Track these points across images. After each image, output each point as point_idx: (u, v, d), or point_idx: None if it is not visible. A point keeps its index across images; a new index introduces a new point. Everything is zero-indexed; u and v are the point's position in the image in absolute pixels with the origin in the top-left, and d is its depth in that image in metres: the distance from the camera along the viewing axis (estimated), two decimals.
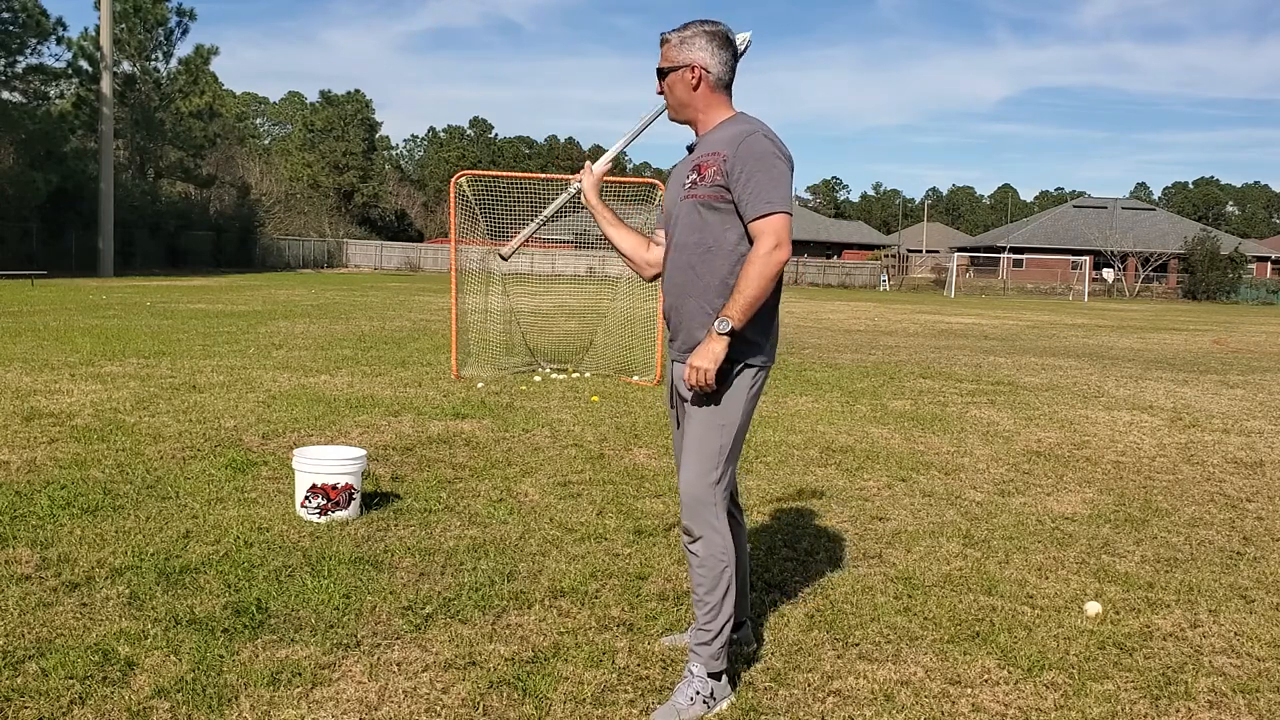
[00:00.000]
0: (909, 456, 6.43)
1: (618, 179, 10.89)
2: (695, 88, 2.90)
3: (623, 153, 3.33)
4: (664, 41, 2.95)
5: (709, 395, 2.85)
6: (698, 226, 2.86)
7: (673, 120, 3.03)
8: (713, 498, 2.87)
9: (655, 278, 3.21)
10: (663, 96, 3.01)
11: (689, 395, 2.89)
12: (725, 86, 2.93)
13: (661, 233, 3.10)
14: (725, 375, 2.84)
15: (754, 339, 2.86)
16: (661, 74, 2.96)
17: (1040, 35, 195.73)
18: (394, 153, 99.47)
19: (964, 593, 3.86)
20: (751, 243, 2.80)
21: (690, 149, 3.00)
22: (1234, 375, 12.42)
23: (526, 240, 3.39)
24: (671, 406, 3.12)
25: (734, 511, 3.11)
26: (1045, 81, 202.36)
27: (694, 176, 2.87)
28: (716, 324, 2.74)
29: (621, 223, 3.23)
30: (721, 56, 2.89)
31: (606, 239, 3.25)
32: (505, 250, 3.41)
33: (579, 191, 3.26)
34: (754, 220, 2.76)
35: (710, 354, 2.75)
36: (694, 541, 2.88)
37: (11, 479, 5.03)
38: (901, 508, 5.13)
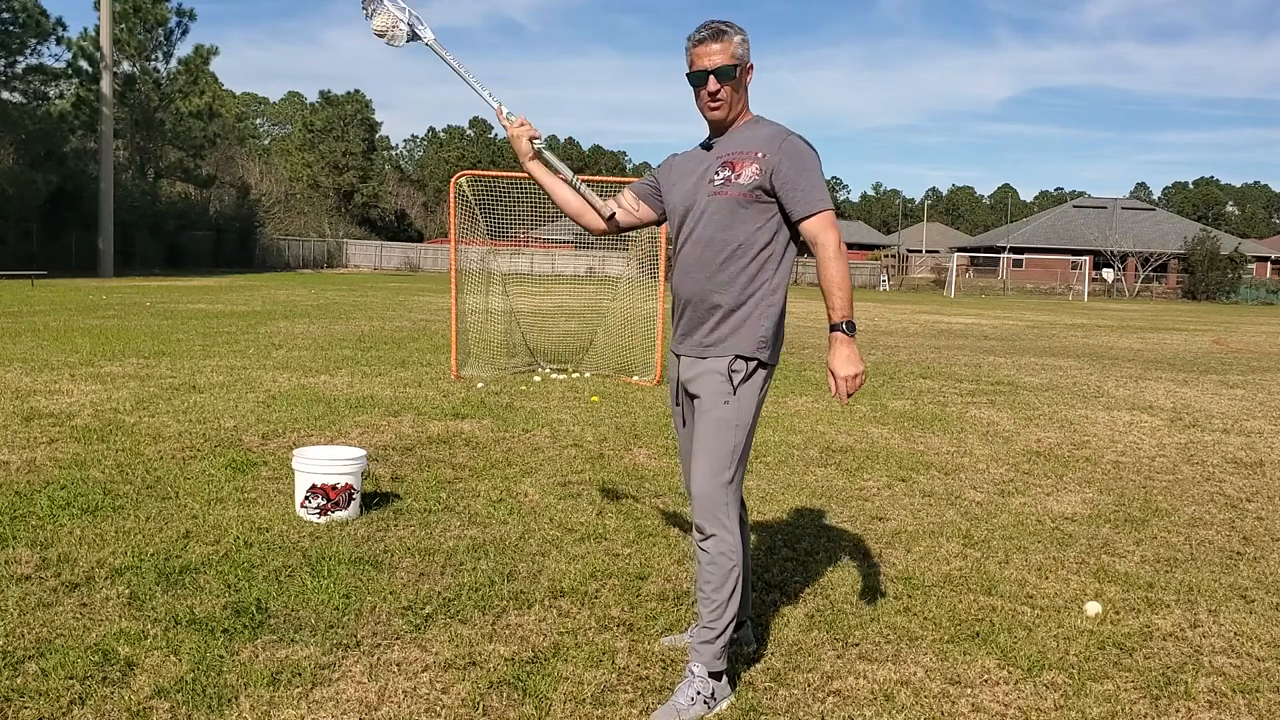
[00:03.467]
0: (909, 456, 6.43)
1: (607, 178, 10.86)
2: (747, 87, 2.93)
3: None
4: (721, 35, 2.81)
5: (722, 395, 2.84)
6: (729, 224, 2.85)
7: (713, 119, 2.91)
8: (725, 496, 2.87)
9: (605, 232, 3.11)
10: (707, 94, 2.85)
11: (703, 393, 2.88)
12: None
13: (626, 198, 3.08)
14: (742, 374, 2.85)
15: (768, 338, 2.88)
16: (726, 73, 2.82)
17: (1042, 35, 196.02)
18: (394, 153, 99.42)
19: (964, 593, 3.86)
20: (789, 242, 2.86)
21: (706, 146, 2.97)
22: (1234, 375, 12.42)
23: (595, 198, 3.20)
24: (676, 404, 3.10)
25: (740, 512, 3.11)
26: (1047, 81, 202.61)
27: (726, 174, 2.85)
28: (845, 329, 2.79)
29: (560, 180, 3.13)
30: None
31: (549, 195, 3.12)
32: (605, 211, 3.16)
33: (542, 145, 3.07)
34: (809, 217, 2.79)
35: (856, 357, 2.81)
36: (706, 539, 2.88)
37: (11, 479, 5.03)
38: (901, 508, 5.13)
